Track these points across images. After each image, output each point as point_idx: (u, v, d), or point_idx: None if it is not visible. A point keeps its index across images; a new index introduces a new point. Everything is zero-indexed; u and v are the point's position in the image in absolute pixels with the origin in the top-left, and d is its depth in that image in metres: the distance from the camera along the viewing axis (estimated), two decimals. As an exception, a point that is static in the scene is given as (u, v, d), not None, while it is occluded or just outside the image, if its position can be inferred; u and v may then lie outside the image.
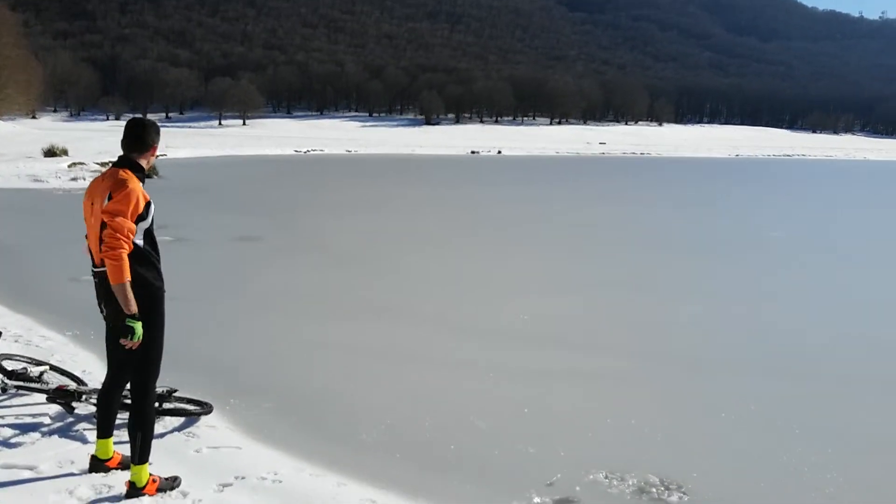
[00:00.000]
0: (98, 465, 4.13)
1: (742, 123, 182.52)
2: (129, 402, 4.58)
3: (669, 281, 11.45)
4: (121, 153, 3.84)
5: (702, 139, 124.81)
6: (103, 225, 3.63)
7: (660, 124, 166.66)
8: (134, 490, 3.90)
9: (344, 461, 4.73)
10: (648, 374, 6.79)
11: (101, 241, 3.63)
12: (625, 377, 6.67)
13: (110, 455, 4.15)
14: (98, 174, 21.35)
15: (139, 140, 3.83)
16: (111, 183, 3.71)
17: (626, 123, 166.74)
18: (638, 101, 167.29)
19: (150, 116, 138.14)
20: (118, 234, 3.57)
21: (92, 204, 3.78)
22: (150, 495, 3.91)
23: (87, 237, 3.87)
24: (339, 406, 5.69)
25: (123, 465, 4.10)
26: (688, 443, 5.29)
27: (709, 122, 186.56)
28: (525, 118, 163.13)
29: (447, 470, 4.72)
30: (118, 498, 3.88)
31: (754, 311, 9.53)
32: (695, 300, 10.00)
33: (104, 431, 4.11)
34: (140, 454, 3.89)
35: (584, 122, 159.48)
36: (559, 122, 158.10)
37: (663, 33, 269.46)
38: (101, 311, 3.90)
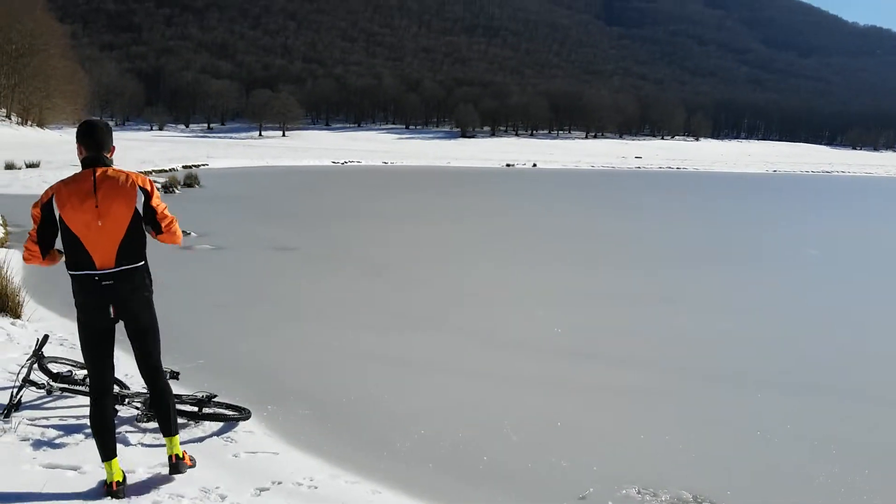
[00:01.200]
0: (122, 488, 3.95)
1: (780, 139, 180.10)
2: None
3: (702, 295, 11.36)
4: (89, 154, 3.80)
5: (739, 154, 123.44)
6: (151, 223, 3.85)
7: (696, 139, 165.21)
8: (179, 462, 4.08)
9: (378, 469, 4.79)
10: (681, 390, 6.75)
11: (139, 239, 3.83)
12: (658, 392, 6.64)
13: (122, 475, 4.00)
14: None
15: (109, 138, 3.91)
16: (127, 183, 3.80)
17: (663, 138, 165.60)
18: (674, 115, 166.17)
19: (192, 127, 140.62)
20: (175, 225, 3.98)
21: (97, 207, 3.71)
22: (190, 466, 4.18)
23: (79, 244, 3.77)
24: (373, 414, 5.76)
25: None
26: (722, 459, 5.26)
27: (746, 138, 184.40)
28: (561, 132, 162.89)
29: (480, 481, 4.75)
30: (159, 497, 3.98)
31: (790, 327, 9.42)
32: (728, 316, 9.91)
33: (112, 450, 3.95)
34: (175, 424, 4.10)
35: (620, 137, 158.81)
36: (595, 136, 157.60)
37: (701, 48, 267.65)
38: (108, 313, 3.86)
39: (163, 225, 3.89)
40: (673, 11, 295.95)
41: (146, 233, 3.93)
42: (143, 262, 3.95)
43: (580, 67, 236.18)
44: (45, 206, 3.72)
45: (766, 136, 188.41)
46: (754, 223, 24.72)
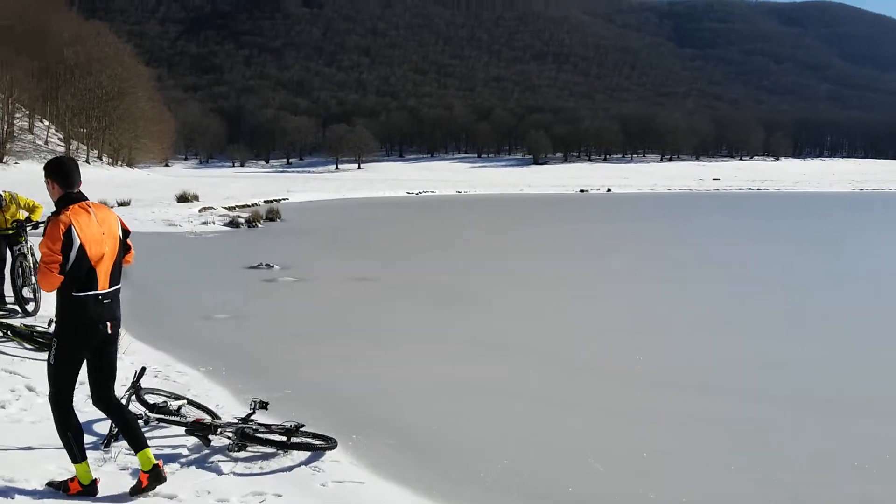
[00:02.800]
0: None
1: (866, 156, 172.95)
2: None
3: (787, 320, 10.98)
4: (75, 189, 4.15)
5: (822, 173, 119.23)
6: (125, 250, 4.39)
7: (777, 159, 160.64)
8: (159, 470, 4.37)
9: (463, 498, 4.79)
10: (771, 419, 6.52)
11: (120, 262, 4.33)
12: (746, 421, 6.43)
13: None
14: (225, 217, 22.37)
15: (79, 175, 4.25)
16: (114, 215, 4.34)
17: (741, 158, 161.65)
18: (753, 135, 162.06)
19: (272, 162, 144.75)
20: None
21: (103, 234, 4.16)
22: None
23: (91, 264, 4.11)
24: (456, 443, 5.77)
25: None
26: (815, 491, 5.06)
27: (829, 156, 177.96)
28: (634, 155, 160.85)
29: (566, 511, 4.70)
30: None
31: (883, 357, 9.00)
32: (816, 342, 9.54)
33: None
34: (143, 436, 4.46)
35: (697, 158, 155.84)
36: (670, 159, 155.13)
37: (778, 66, 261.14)
38: (105, 329, 4.20)
39: (131, 262, 4.53)
40: (747, 31, 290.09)
41: None
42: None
43: (652, 90, 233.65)
44: (66, 233, 4.00)
45: (850, 154, 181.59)
46: (845, 244, 23.81)
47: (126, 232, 4.36)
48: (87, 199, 4.19)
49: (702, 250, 20.85)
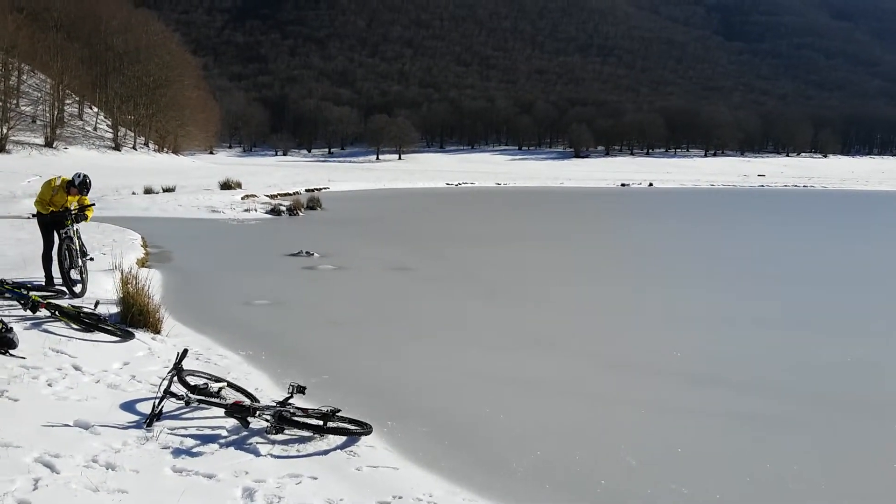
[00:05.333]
0: None
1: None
2: (300, 419, 4.98)
3: (832, 318, 10.76)
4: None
5: (871, 171, 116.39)
6: None
7: (824, 156, 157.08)
8: None
9: (495, 488, 4.83)
10: (807, 418, 6.43)
11: None
12: (783, 420, 6.34)
13: None
14: (267, 205, 22.90)
15: None
16: None
17: (787, 155, 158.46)
18: (800, 131, 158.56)
19: (314, 152, 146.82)
20: None
21: None
22: None
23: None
24: (489, 433, 5.80)
25: None
26: (852, 494, 4.98)
27: (879, 154, 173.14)
28: (678, 150, 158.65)
29: (598, 504, 4.70)
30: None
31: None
32: (864, 340, 9.34)
33: None
34: None
35: (742, 154, 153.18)
36: (714, 154, 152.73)
37: (828, 61, 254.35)
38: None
39: None
40: (797, 24, 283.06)
41: None
42: None
43: (698, 84, 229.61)
44: None
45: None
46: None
47: None
48: None
49: (750, 247, 20.52)
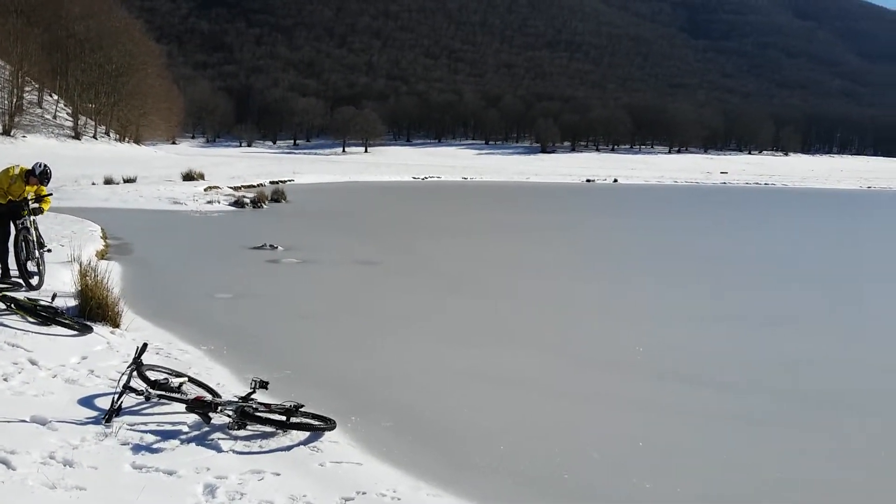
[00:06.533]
0: None
1: (875, 154, 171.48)
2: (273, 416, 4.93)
3: (801, 314, 10.94)
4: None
5: (831, 170, 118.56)
6: None
7: (786, 154, 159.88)
8: None
9: (459, 482, 4.82)
10: (771, 414, 6.53)
11: None
12: (745, 415, 6.42)
13: None
14: (230, 197, 22.65)
15: None
16: None
17: (750, 152, 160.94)
18: (762, 129, 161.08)
19: (278, 143, 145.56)
20: None
21: None
22: None
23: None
24: (454, 428, 5.80)
25: None
26: (818, 491, 5.08)
27: (839, 153, 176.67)
28: (643, 147, 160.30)
29: (561, 499, 4.73)
30: (251, 500, 4.13)
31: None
32: (834, 338, 9.54)
33: None
34: None
35: (705, 151, 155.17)
36: (678, 151, 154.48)
37: (791, 60, 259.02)
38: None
39: None
40: (761, 23, 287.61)
41: None
42: None
43: (664, 81, 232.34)
44: None
45: (860, 151, 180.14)
46: (856, 241, 23.74)
47: None
48: None
49: (714, 244, 20.80)
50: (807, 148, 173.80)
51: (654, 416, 6.34)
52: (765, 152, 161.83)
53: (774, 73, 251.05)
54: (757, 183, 72.05)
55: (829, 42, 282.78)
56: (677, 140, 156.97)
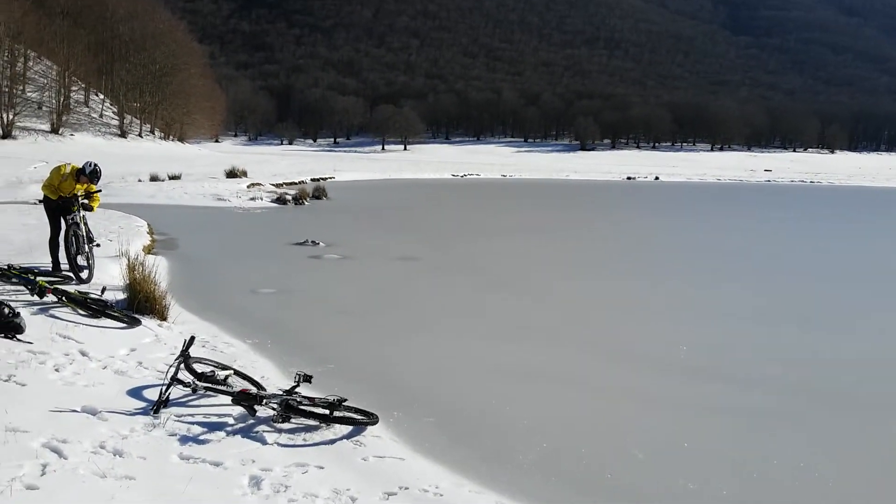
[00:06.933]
0: None
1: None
2: (310, 409, 4.96)
3: (840, 314, 10.72)
4: None
5: (879, 167, 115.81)
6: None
7: (832, 151, 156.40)
8: None
9: (501, 480, 4.82)
10: (813, 415, 6.40)
11: None
12: (786, 415, 6.32)
13: None
14: (273, 194, 22.94)
15: None
16: None
17: (794, 150, 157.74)
18: (807, 126, 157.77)
19: (319, 141, 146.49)
20: None
21: None
22: None
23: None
24: (496, 424, 5.79)
25: None
26: (853, 491, 4.96)
27: (887, 150, 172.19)
28: (685, 144, 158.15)
29: (604, 498, 4.70)
30: (294, 496, 4.16)
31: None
32: (867, 337, 9.31)
33: None
34: None
35: (748, 149, 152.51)
36: (721, 149, 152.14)
37: (836, 57, 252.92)
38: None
39: None
40: (805, 19, 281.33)
41: None
42: None
43: (705, 78, 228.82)
44: None
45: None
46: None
47: None
48: None
49: (754, 243, 20.45)
50: (853, 146, 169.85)
51: (697, 414, 6.25)
52: (810, 150, 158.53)
53: (819, 69, 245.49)
54: (802, 181, 70.63)
55: (876, 38, 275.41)
56: (720, 137, 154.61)
